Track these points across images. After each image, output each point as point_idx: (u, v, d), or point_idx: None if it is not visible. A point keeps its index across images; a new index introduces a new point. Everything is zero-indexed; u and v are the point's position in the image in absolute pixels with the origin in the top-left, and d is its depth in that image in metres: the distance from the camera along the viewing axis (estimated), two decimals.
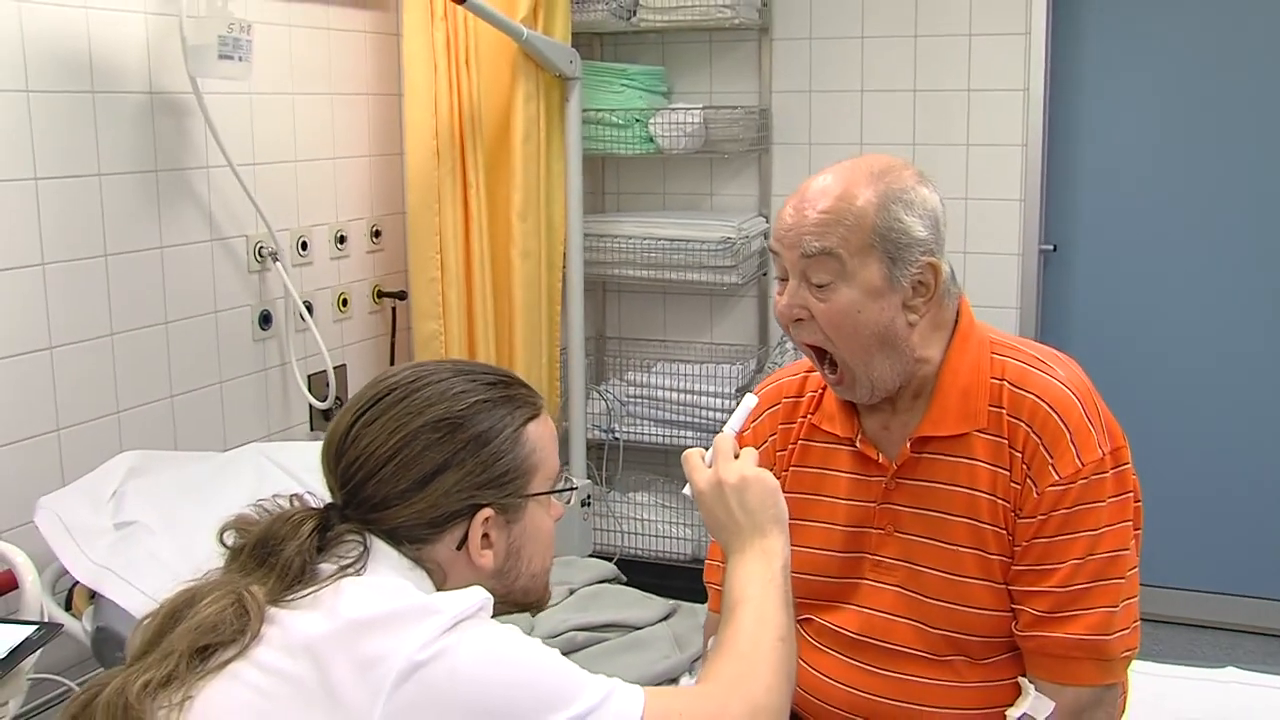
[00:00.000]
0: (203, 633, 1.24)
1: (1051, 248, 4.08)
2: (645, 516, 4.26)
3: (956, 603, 1.66)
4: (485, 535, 1.35)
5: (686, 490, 1.57)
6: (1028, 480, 1.61)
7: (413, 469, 1.31)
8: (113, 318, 2.68)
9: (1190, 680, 2.22)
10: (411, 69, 3.35)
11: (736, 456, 1.55)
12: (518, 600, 1.43)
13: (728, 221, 4.03)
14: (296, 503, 1.37)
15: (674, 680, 2.33)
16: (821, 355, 1.67)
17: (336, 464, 1.35)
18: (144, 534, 2.24)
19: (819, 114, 4.17)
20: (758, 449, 1.82)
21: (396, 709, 1.15)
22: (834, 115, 4.15)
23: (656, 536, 4.24)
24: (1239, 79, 3.88)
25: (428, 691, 1.17)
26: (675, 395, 4.20)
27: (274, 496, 1.38)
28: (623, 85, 4.06)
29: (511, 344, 3.60)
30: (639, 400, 4.26)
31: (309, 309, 3.22)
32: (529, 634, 1.34)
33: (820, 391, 1.80)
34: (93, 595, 2.18)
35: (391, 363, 3.59)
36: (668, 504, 4.31)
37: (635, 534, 4.24)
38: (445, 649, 1.18)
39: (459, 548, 1.34)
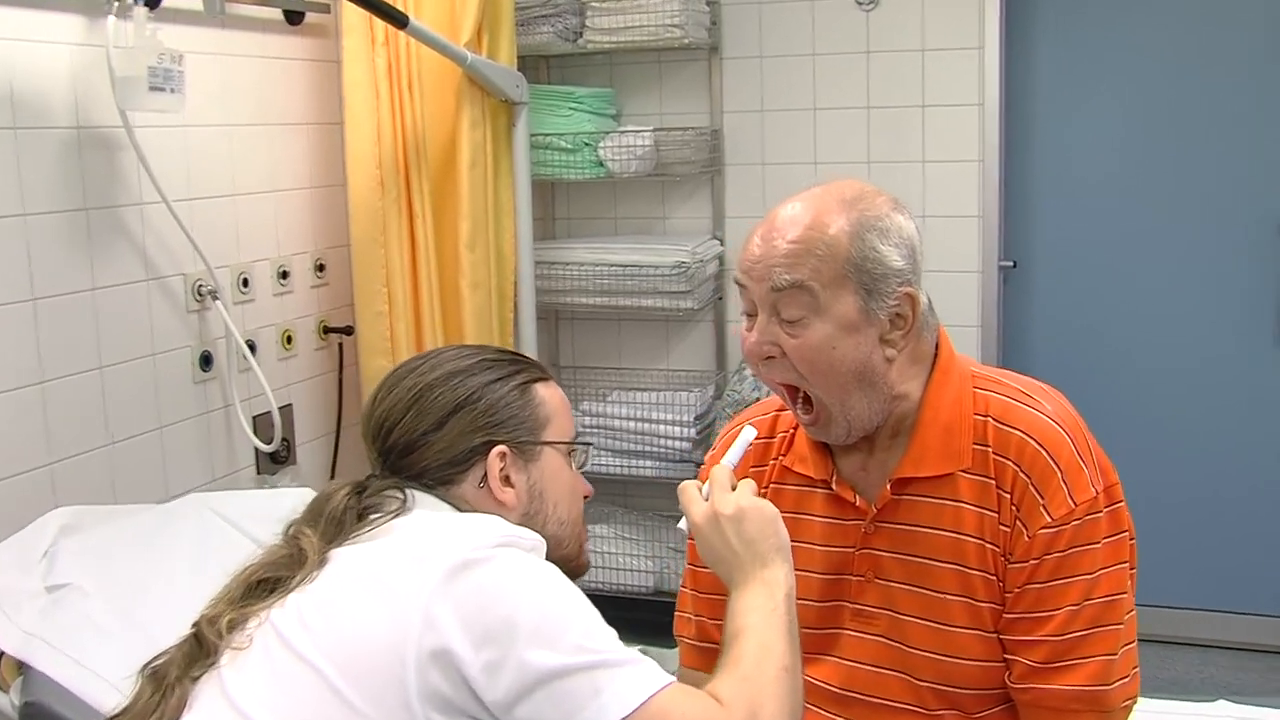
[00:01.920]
0: (258, 568, 1.39)
1: (1011, 264, 4.03)
2: (606, 549, 4.15)
3: (945, 654, 1.57)
4: (504, 474, 1.47)
5: (682, 524, 1.53)
6: (1017, 523, 1.52)
7: (430, 413, 1.47)
8: (43, 364, 2.54)
9: (1180, 716, 2.14)
10: (352, 97, 3.24)
11: (733, 489, 1.49)
12: (552, 551, 1.44)
13: (681, 245, 3.95)
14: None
15: None
16: (794, 393, 1.58)
17: (368, 429, 1.53)
18: (78, 597, 2.10)
19: (772, 133, 4.10)
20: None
21: (441, 597, 1.24)
22: (787, 134, 4.07)
23: (618, 570, 4.13)
24: (1193, 88, 3.86)
25: (468, 587, 1.25)
26: (633, 424, 4.11)
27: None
28: (570, 109, 3.97)
29: None
30: (596, 430, 4.16)
31: (252, 348, 3.09)
32: None
33: (791, 431, 1.70)
34: (21, 666, 2.04)
35: (340, 400, 3.47)
36: (628, 535, 4.21)
37: (596, 567, 4.13)
38: (494, 555, 1.28)
39: (481, 484, 1.47)
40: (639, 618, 4.15)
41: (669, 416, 4.05)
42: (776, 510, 1.46)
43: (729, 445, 1.71)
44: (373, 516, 1.41)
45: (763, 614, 1.40)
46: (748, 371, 3.80)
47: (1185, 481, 3.99)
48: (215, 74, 3.01)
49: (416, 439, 1.47)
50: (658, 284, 3.93)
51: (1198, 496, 4.00)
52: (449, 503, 1.45)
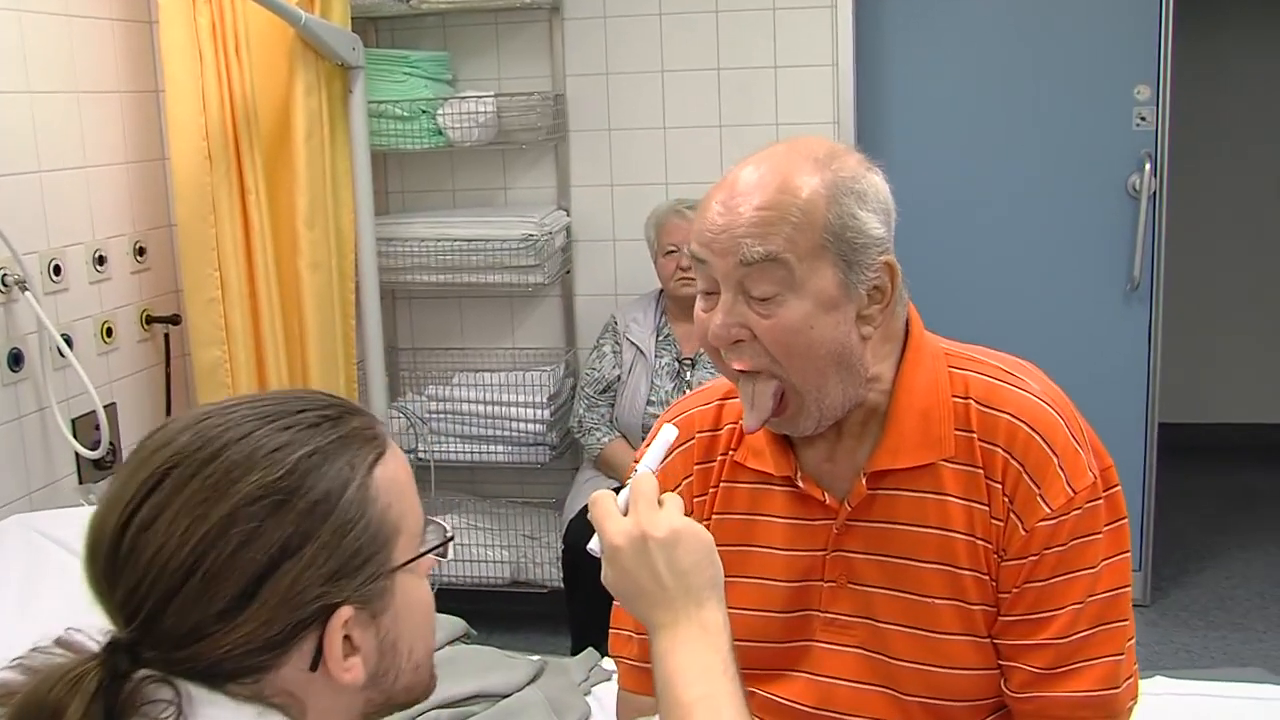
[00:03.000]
0: None
1: None
2: (458, 541, 3.91)
3: (933, 664, 1.40)
4: (347, 639, 0.98)
5: (594, 545, 1.22)
6: (1011, 516, 1.36)
7: (229, 578, 0.93)
8: None
9: None
10: (171, 61, 2.92)
11: (660, 504, 1.21)
12: (400, 702, 1.07)
13: (528, 217, 3.74)
14: (71, 649, 0.97)
15: None
16: (754, 379, 1.38)
17: (112, 588, 0.95)
18: None
19: (618, 97, 3.90)
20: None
21: None
22: (634, 98, 3.89)
23: (471, 561, 3.91)
24: (1045, 45, 3.84)
25: None
26: (481, 408, 3.90)
27: (35, 650, 0.97)
28: (405, 74, 3.71)
29: (305, 365, 3.21)
30: (441, 415, 3.93)
31: (68, 342, 2.78)
32: None
33: (740, 422, 1.50)
34: None
35: (169, 396, 3.15)
36: (480, 525, 3.99)
37: (449, 560, 3.88)
38: None
39: (313, 667, 0.97)
40: (495, 609, 3.97)
41: (519, 398, 3.85)
42: (711, 537, 1.22)
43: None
44: None
45: (712, 681, 1.14)
46: (606, 348, 3.62)
47: None
48: (11, 33, 2.67)
49: (208, 622, 0.94)
50: (504, 259, 3.71)
51: None
52: (257, 700, 0.97)
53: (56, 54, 2.81)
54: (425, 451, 3.90)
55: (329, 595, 0.96)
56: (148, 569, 0.93)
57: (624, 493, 1.24)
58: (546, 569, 3.88)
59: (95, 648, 0.95)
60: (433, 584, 3.77)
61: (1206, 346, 5.46)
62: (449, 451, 3.92)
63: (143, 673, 0.94)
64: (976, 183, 3.95)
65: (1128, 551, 1.41)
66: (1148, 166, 3.78)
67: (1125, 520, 1.41)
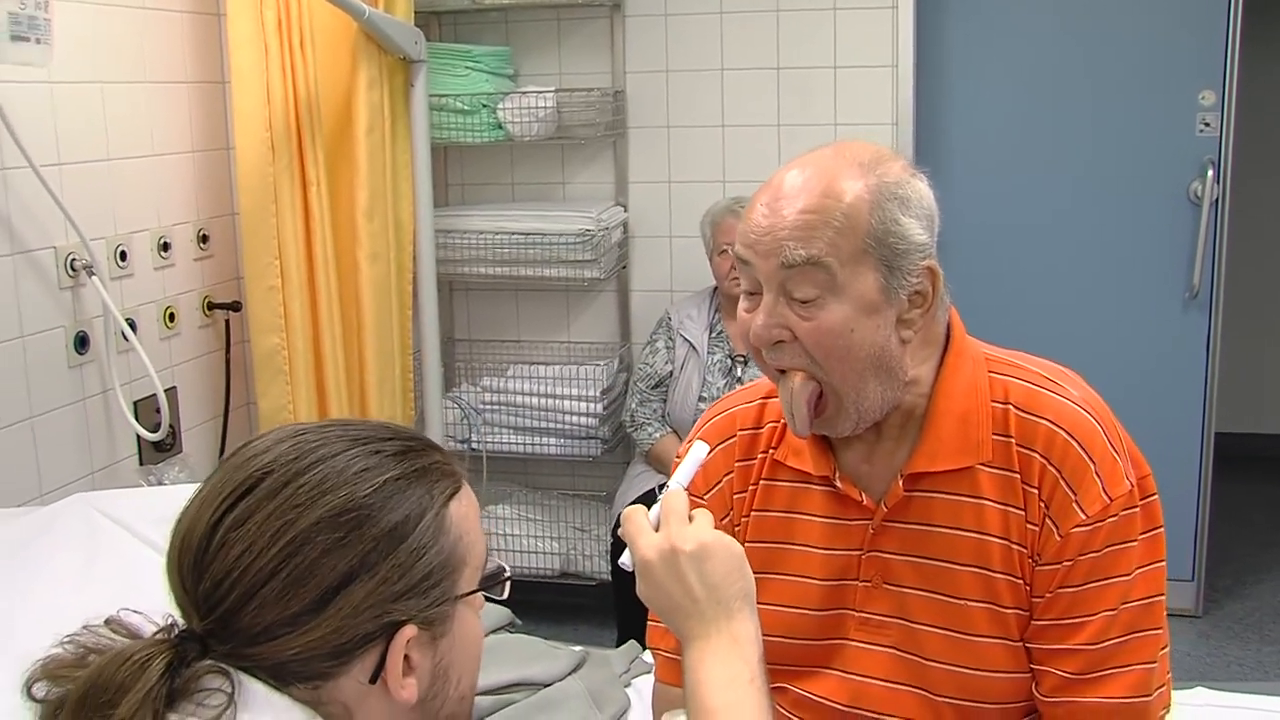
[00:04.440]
0: None
1: None
2: (508, 531, 3.96)
3: (966, 665, 1.41)
4: (406, 658, 1.03)
5: (625, 559, 1.26)
6: (1047, 521, 1.37)
7: (308, 584, 0.98)
8: None
9: None
10: (238, 53, 2.96)
11: (690, 519, 1.24)
12: None
13: (585, 212, 3.77)
14: (120, 631, 1.02)
15: None
16: (793, 379, 1.40)
17: (197, 580, 1.00)
18: None
19: (677, 95, 3.92)
20: (710, 490, 1.57)
21: None
22: (693, 96, 3.90)
23: (522, 552, 3.95)
24: (1108, 50, 3.80)
25: None
26: (534, 400, 3.93)
27: (87, 628, 1.02)
28: (467, 68, 3.74)
29: (362, 355, 3.25)
30: (496, 407, 3.97)
31: (132, 326, 2.82)
32: None
33: (782, 421, 1.52)
34: None
35: (228, 382, 3.21)
36: (531, 516, 4.03)
37: (499, 550, 3.94)
38: None
39: (373, 679, 1.02)
40: (544, 600, 4.01)
41: (573, 391, 3.88)
42: (742, 549, 1.25)
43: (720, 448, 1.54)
44: None
45: (739, 689, 1.16)
46: (660, 343, 3.64)
47: None
48: (87, 25, 2.72)
49: (282, 623, 0.98)
50: (560, 253, 3.75)
51: None
52: (309, 709, 1.01)
53: (128, 45, 2.86)
54: (478, 442, 3.94)
55: (397, 613, 1.02)
56: (234, 566, 0.98)
57: (655, 508, 1.27)
58: (595, 561, 3.91)
59: (149, 630, 0.99)
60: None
61: (1266, 356, 5.38)
62: (502, 442, 3.97)
63: (205, 663, 0.98)
64: (1035, 186, 3.92)
65: (1162, 560, 1.40)
66: (1210, 173, 3.74)
67: (1161, 529, 1.41)
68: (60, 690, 0.97)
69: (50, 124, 2.63)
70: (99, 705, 0.94)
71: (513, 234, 3.78)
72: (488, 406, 3.97)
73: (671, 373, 3.60)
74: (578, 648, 2.33)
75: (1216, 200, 3.77)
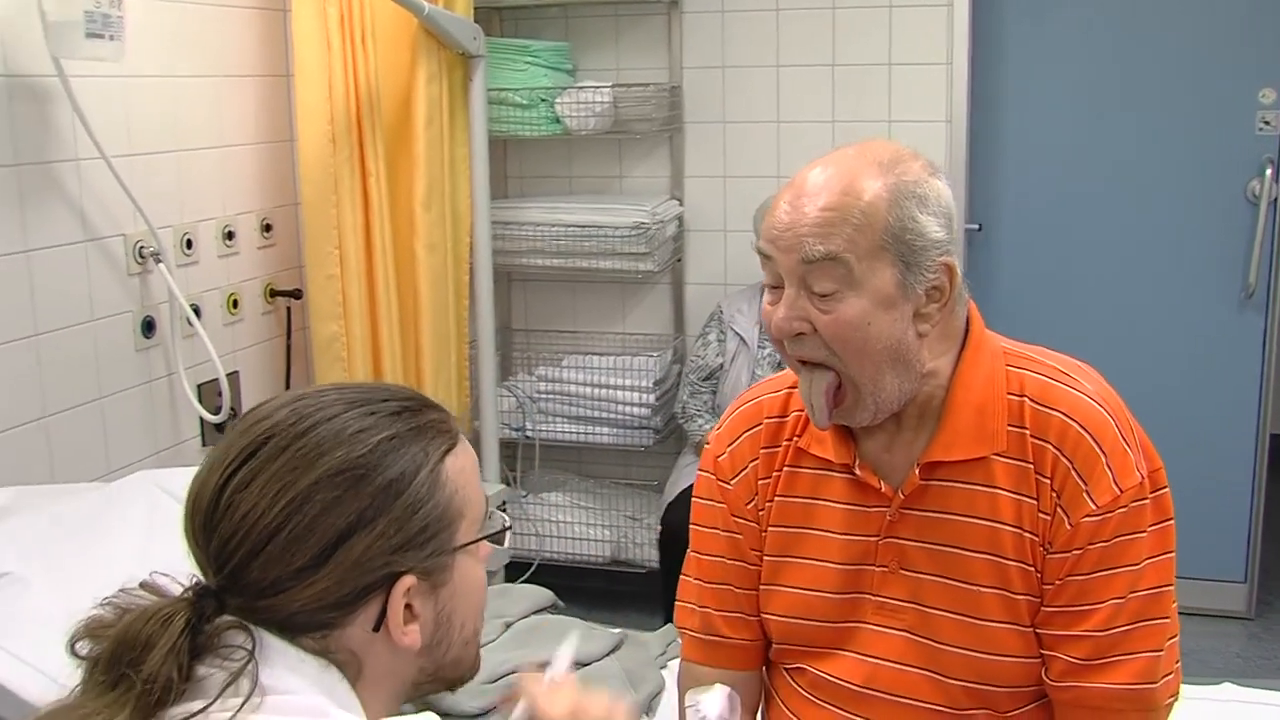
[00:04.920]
0: None
1: (976, 227, 3.94)
2: (561, 518, 4.03)
3: (977, 649, 1.46)
4: (408, 607, 1.09)
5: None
6: (1058, 510, 1.42)
7: (309, 540, 1.04)
8: None
9: (1186, 700, 2.06)
10: (302, 48, 3.06)
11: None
12: (447, 676, 1.19)
13: (640, 205, 3.83)
14: (152, 592, 1.08)
15: None
16: (813, 371, 1.46)
17: (207, 539, 1.06)
18: (19, 588, 1.94)
19: (732, 91, 3.97)
20: (736, 477, 1.62)
21: None
22: (749, 92, 3.95)
23: (574, 539, 4.02)
24: (1164, 49, 3.79)
25: None
26: (588, 389, 4.00)
27: (123, 590, 1.08)
28: (526, 63, 3.82)
29: (418, 343, 3.34)
30: (550, 396, 4.05)
31: (196, 312, 2.92)
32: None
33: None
34: None
35: (288, 367, 3.31)
36: (584, 504, 4.10)
37: (551, 536, 4.02)
38: None
39: (376, 628, 1.09)
40: (595, 587, 4.08)
41: (626, 382, 3.94)
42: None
43: (733, 436, 1.61)
44: (205, 672, 1.03)
45: None
46: (711, 336, 3.69)
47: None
48: (157, 21, 2.82)
49: (287, 577, 1.04)
50: (616, 245, 3.81)
51: (1165, 461, 3.94)
52: (320, 658, 1.07)
53: (197, 41, 2.96)
54: (533, 430, 4.02)
55: (395, 564, 1.07)
56: (240, 525, 1.04)
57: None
58: (646, 550, 3.97)
59: (178, 591, 1.07)
60: (534, 560, 3.89)
61: None
62: (556, 431, 4.04)
63: (225, 619, 1.05)
64: (1090, 184, 3.92)
65: (1172, 551, 1.44)
66: (1269, 172, 3.72)
67: (1172, 521, 1.45)
68: (99, 647, 1.04)
69: (122, 116, 2.73)
70: (129, 660, 1.01)
71: (569, 226, 3.85)
72: (542, 395, 4.04)
73: (722, 365, 3.65)
74: (616, 630, 2.39)
75: (1275, 199, 3.75)
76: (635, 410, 3.94)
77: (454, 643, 1.15)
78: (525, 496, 4.09)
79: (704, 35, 3.95)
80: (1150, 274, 3.91)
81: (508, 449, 4.04)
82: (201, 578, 1.08)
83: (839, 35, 3.83)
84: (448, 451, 1.13)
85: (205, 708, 0.99)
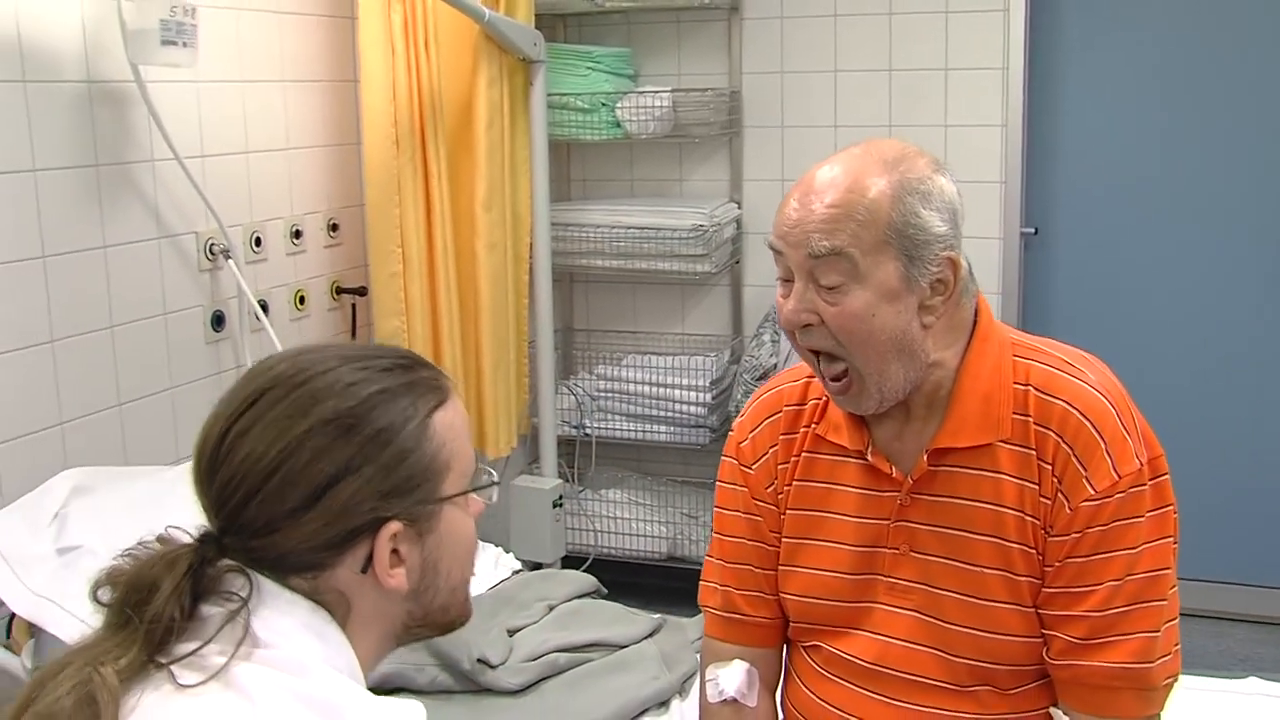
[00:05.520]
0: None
1: (1033, 231, 3.96)
2: (618, 515, 4.12)
3: (981, 629, 1.52)
4: (395, 551, 1.16)
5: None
6: (1059, 495, 1.47)
7: (301, 482, 1.12)
8: (53, 323, 2.50)
9: (1210, 692, 2.10)
10: (368, 54, 3.18)
11: None
12: (436, 621, 1.25)
13: (699, 208, 3.90)
14: (166, 542, 1.17)
15: (664, 703, 2.19)
16: (819, 360, 1.53)
17: (209, 483, 1.14)
18: (90, 560, 2.06)
19: (791, 95, 4.03)
20: (757, 462, 1.69)
21: None
22: (807, 97, 4.01)
23: (631, 535, 4.10)
24: (1221, 56, 3.78)
25: None
26: (647, 389, 4.08)
27: (140, 543, 1.17)
28: (588, 68, 3.91)
29: (478, 340, 3.45)
30: (609, 394, 4.13)
31: (264, 308, 3.05)
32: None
33: (824, 399, 1.65)
34: (33, 629, 2.01)
35: None
36: (641, 501, 4.18)
37: (608, 533, 4.10)
38: None
39: (364, 570, 1.15)
40: (652, 583, 4.15)
41: (684, 381, 4.01)
42: None
43: (754, 423, 1.69)
44: (207, 609, 1.10)
45: None
46: (765, 336, 3.76)
47: (1205, 452, 3.93)
48: (229, 29, 2.96)
49: (281, 517, 1.11)
50: (674, 247, 3.88)
51: (1218, 467, 3.94)
52: (310, 599, 1.14)
53: (268, 47, 3.09)
54: (591, 428, 4.11)
55: (381, 509, 1.14)
56: (239, 468, 1.12)
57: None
58: (701, 546, 4.04)
59: (188, 540, 1.17)
60: (591, 555, 3.95)
61: None
62: (615, 429, 4.12)
63: (225, 563, 1.13)
64: (1149, 190, 3.91)
65: (1171, 536, 1.49)
66: None
67: (1172, 507, 1.50)
68: (116, 592, 1.14)
69: (195, 120, 2.86)
70: (137, 601, 1.10)
71: (629, 228, 3.93)
72: (601, 394, 4.13)
73: (775, 365, 3.71)
74: (656, 615, 2.47)
75: None
76: (692, 409, 4.01)
77: (440, 589, 1.22)
78: (583, 492, 4.18)
79: (763, 41, 4.02)
80: (1212, 285, 3.89)
81: (567, 446, 4.13)
82: (206, 523, 1.17)
83: (896, 40, 3.87)
84: (437, 407, 1.20)
85: (199, 648, 1.08)
